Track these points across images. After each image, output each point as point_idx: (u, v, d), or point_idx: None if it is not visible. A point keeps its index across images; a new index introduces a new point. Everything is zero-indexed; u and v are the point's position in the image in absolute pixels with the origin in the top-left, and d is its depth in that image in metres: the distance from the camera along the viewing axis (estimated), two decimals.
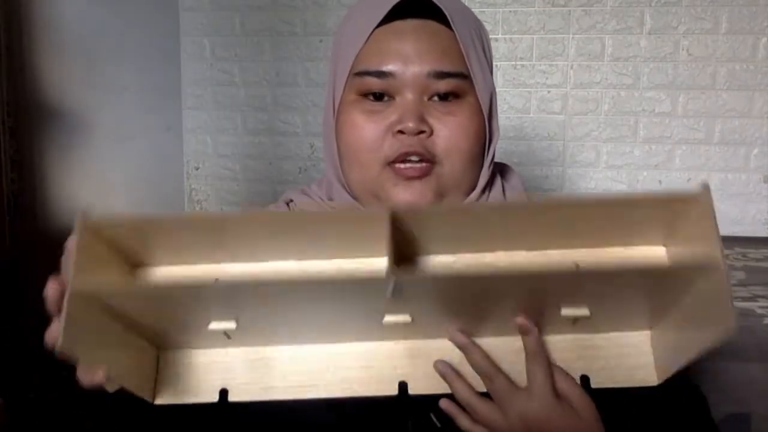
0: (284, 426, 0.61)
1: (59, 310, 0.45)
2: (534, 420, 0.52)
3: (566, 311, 0.50)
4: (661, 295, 0.50)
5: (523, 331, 0.52)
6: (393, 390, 0.51)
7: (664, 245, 0.53)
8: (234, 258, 0.52)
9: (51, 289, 0.47)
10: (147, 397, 0.54)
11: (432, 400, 0.59)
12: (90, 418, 0.55)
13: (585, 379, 0.54)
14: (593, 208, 0.49)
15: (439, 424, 0.59)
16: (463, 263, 0.53)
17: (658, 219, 0.50)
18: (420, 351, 0.54)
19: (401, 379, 0.54)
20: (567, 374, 0.54)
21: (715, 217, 0.44)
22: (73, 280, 0.45)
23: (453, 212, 0.52)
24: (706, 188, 0.45)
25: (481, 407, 0.54)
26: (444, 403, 0.56)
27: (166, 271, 0.53)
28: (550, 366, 0.53)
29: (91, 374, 0.48)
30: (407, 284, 0.44)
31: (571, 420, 0.53)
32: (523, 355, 0.53)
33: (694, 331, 0.49)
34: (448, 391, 0.54)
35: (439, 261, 0.53)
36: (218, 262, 0.53)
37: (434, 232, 0.51)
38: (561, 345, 0.55)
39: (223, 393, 0.54)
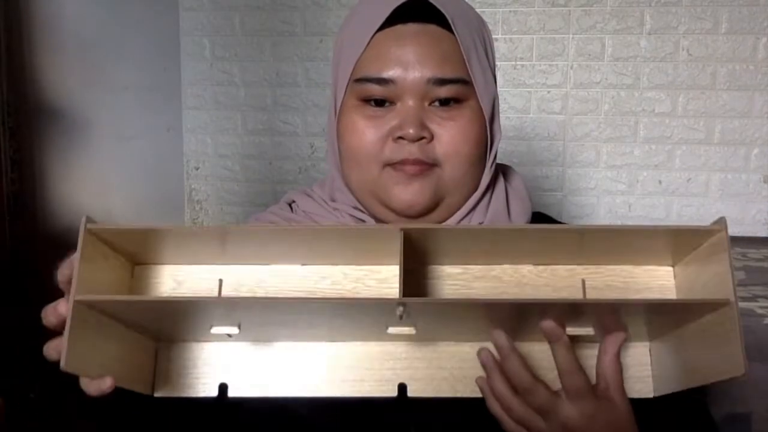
0: (283, 424, 0.61)
1: (59, 324, 0.45)
2: (577, 426, 0.51)
3: (570, 330, 0.50)
4: (665, 320, 0.50)
5: (551, 338, 0.51)
6: (392, 391, 0.51)
7: (672, 265, 0.52)
8: (238, 259, 0.52)
9: (54, 309, 0.47)
10: (145, 391, 0.54)
11: (411, 411, 0.59)
12: (89, 417, 0.55)
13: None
14: (603, 234, 0.49)
15: None
16: (470, 275, 0.53)
17: (668, 243, 0.50)
18: (421, 354, 0.54)
19: (401, 380, 0.54)
20: (602, 371, 0.53)
21: (729, 252, 0.43)
22: (76, 290, 0.45)
23: (462, 233, 0.52)
24: (722, 222, 0.43)
25: (520, 409, 0.52)
26: (489, 405, 0.54)
27: (170, 271, 0.53)
28: (583, 369, 0.52)
29: (97, 384, 0.48)
30: (416, 309, 0.45)
31: (612, 417, 0.52)
32: (543, 358, 0.52)
33: (699, 359, 0.48)
34: (446, 394, 0.54)
35: (447, 272, 0.53)
36: (222, 262, 0.53)
37: (443, 246, 0.51)
38: None
39: (223, 388, 0.54)
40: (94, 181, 1.62)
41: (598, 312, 0.47)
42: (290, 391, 0.54)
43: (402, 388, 0.54)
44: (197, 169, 2.03)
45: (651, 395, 0.54)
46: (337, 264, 0.52)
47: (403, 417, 0.60)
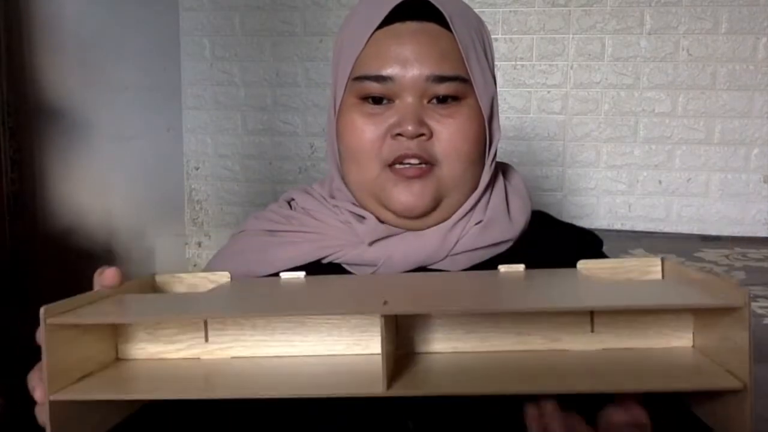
0: (273, 416, 0.61)
1: (42, 402, 0.45)
2: None
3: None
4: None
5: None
6: (377, 391, 0.50)
7: (693, 333, 0.49)
8: (216, 332, 0.51)
9: (35, 385, 0.46)
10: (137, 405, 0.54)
11: (408, 404, 0.59)
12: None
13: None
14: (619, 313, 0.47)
15: (412, 425, 0.59)
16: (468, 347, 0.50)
17: (688, 316, 0.48)
18: (405, 359, 0.53)
19: (416, 394, 0.52)
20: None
21: (750, 332, 0.40)
22: (50, 388, 0.44)
23: (452, 314, 0.49)
24: (745, 296, 0.40)
25: None
26: None
27: (146, 343, 0.52)
28: None
29: None
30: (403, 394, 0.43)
31: None
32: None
33: (716, 413, 0.45)
34: (429, 393, 0.52)
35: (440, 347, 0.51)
36: (199, 337, 0.52)
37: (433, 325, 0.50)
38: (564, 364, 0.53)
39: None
40: (94, 181, 1.62)
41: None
42: (276, 392, 0.53)
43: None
44: (197, 169, 2.03)
45: None
46: (324, 351, 0.51)
47: (403, 415, 0.60)
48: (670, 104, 1.77)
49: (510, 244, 0.66)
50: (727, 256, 1.58)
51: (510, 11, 1.81)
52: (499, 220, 0.67)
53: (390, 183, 0.64)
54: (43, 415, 0.45)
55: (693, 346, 0.48)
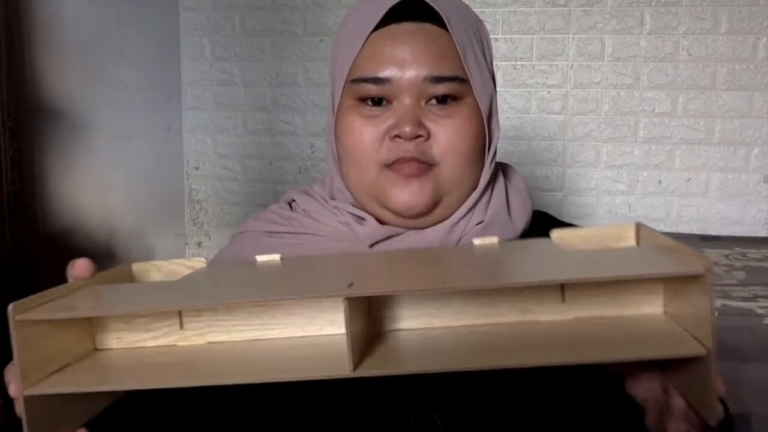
0: (280, 419, 0.61)
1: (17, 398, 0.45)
2: None
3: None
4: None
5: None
6: (344, 372, 0.50)
7: (663, 300, 0.50)
8: (191, 319, 0.52)
9: (10, 379, 0.46)
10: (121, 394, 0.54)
11: (433, 397, 0.59)
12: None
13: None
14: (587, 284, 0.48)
15: (440, 424, 0.59)
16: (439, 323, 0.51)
17: (658, 283, 0.49)
18: (377, 338, 0.53)
19: (383, 373, 0.53)
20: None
21: (712, 300, 0.41)
22: (24, 383, 0.44)
23: (417, 292, 0.49)
24: (707, 263, 0.41)
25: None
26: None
27: (123, 332, 0.52)
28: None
29: None
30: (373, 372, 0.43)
31: None
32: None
33: (679, 384, 0.46)
34: (400, 371, 0.52)
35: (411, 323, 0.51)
36: (174, 324, 0.52)
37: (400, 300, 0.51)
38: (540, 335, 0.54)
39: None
40: (94, 181, 1.62)
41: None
42: (253, 377, 0.53)
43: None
44: (197, 169, 2.03)
45: None
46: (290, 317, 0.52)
47: (405, 413, 0.60)
48: (670, 104, 1.77)
49: None
50: (727, 256, 1.58)
51: (510, 11, 1.81)
52: (500, 221, 0.67)
53: (389, 183, 0.64)
54: (19, 409, 0.45)
55: (664, 313, 0.49)
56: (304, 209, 0.72)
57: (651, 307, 0.49)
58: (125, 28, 1.72)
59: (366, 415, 0.60)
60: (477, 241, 0.57)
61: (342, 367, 0.43)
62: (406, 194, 0.63)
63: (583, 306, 0.50)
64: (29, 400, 0.44)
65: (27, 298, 0.45)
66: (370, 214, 0.67)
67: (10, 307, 0.43)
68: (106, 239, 1.68)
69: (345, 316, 0.42)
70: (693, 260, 0.42)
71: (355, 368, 0.43)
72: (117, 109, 1.70)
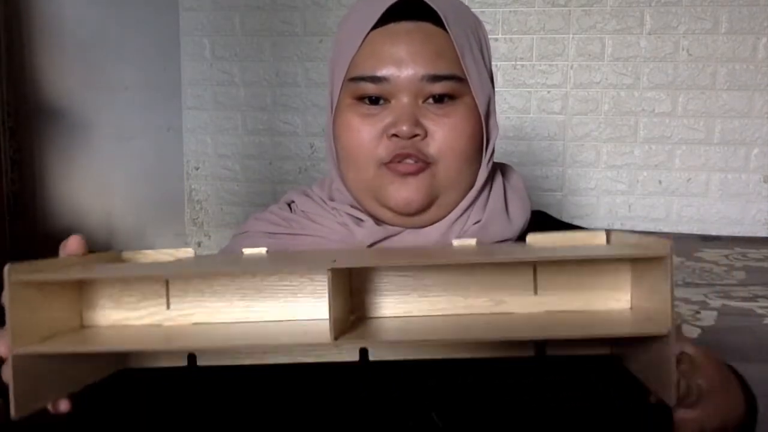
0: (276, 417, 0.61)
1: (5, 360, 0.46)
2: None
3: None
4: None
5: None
6: (354, 356, 0.52)
7: (630, 294, 0.53)
8: (177, 299, 0.53)
9: (2, 349, 0.47)
10: (115, 369, 0.55)
11: (433, 398, 0.59)
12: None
13: (541, 346, 0.55)
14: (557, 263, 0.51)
15: (441, 424, 0.59)
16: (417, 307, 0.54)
17: (626, 266, 0.51)
18: (358, 321, 0.54)
19: (361, 345, 0.54)
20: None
21: (671, 280, 0.43)
22: (14, 343, 0.45)
23: (398, 263, 0.52)
24: (667, 246, 0.43)
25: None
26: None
27: (109, 310, 0.54)
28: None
29: (55, 408, 0.49)
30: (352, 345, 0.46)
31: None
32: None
33: (643, 368, 0.49)
34: (407, 357, 0.54)
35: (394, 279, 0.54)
36: (161, 304, 0.53)
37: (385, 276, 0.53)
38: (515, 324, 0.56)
39: (191, 357, 0.55)
40: (94, 181, 1.62)
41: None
42: (256, 359, 0.55)
43: (363, 352, 0.55)
44: (197, 169, 2.03)
45: (608, 353, 0.56)
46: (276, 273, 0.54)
47: (404, 414, 0.60)
48: (670, 104, 1.77)
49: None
50: (727, 256, 1.58)
51: (510, 11, 1.81)
52: (498, 220, 0.67)
53: (386, 180, 0.64)
54: (7, 372, 0.46)
55: (630, 309, 0.52)
56: (302, 210, 0.72)
57: (618, 302, 0.53)
58: (125, 28, 1.72)
59: (365, 416, 0.60)
60: (456, 242, 0.60)
61: (324, 337, 0.45)
62: (403, 191, 0.63)
63: (555, 299, 0.53)
64: (18, 361, 0.45)
65: (22, 263, 0.46)
66: (369, 212, 0.67)
67: (7, 267, 0.45)
68: (106, 239, 1.69)
69: (328, 286, 0.44)
70: (656, 245, 0.45)
71: (336, 338, 0.45)
72: (117, 109, 1.70)
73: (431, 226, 0.66)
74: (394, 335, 0.49)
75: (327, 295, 0.44)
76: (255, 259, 0.55)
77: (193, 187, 2.04)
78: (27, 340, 0.46)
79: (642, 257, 0.46)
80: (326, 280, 0.44)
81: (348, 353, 0.53)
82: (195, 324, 0.53)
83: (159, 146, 1.92)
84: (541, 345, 0.54)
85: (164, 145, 1.95)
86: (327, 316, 0.44)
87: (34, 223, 1.43)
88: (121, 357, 0.56)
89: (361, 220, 0.67)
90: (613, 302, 0.52)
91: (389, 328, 0.51)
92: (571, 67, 1.80)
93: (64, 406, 0.49)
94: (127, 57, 1.73)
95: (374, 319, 0.53)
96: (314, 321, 0.52)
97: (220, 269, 0.49)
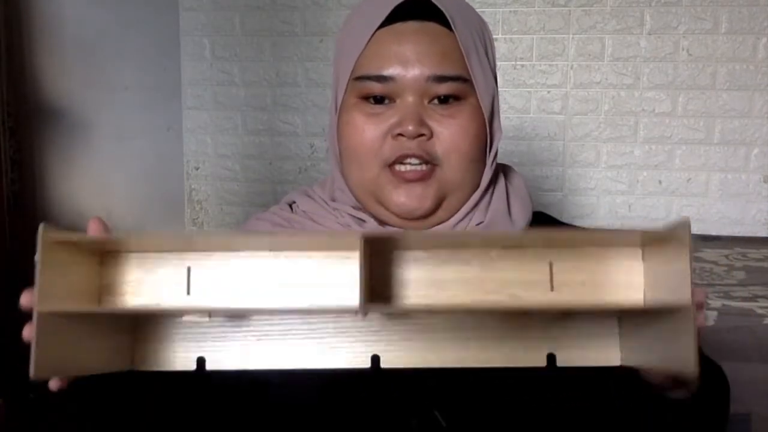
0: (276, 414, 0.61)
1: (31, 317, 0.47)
2: None
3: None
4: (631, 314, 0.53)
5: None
6: (366, 363, 0.52)
7: (642, 258, 0.53)
8: (206, 247, 0.53)
9: (25, 301, 0.49)
10: (125, 368, 0.55)
11: (436, 397, 0.59)
12: (69, 399, 0.55)
13: (551, 357, 0.54)
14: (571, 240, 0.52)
15: (444, 423, 0.59)
16: (438, 259, 0.54)
17: (637, 243, 0.52)
18: (393, 326, 0.54)
19: (374, 352, 0.54)
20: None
21: (690, 257, 0.43)
22: (40, 302, 0.46)
23: (426, 237, 0.53)
24: (685, 224, 0.43)
25: None
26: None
27: (137, 259, 0.53)
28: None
29: (53, 383, 0.50)
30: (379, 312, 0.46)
31: None
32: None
33: (660, 349, 0.49)
34: (420, 365, 0.54)
35: (414, 256, 0.54)
36: (190, 250, 0.54)
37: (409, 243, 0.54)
38: (529, 322, 0.56)
39: (200, 362, 0.55)
40: (94, 181, 1.62)
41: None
42: (267, 363, 0.55)
43: (375, 359, 0.54)
44: (197, 169, 2.03)
45: (618, 363, 0.56)
46: (305, 250, 0.53)
47: (407, 413, 0.60)
48: (670, 104, 1.77)
49: None
50: (727, 256, 1.58)
51: (510, 11, 1.81)
52: (500, 222, 0.67)
53: (390, 184, 0.64)
54: (29, 331, 0.46)
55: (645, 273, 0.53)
56: (304, 210, 0.72)
57: (634, 292, 0.53)
58: (125, 28, 1.72)
59: (369, 415, 0.60)
60: None
61: (352, 300, 0.46)
62: (407, 198, 0.63)
63: (571, 295, 0.54)
64: (42, 320, 0.46)
65: (53, 228, 0.48)
66: (371, 213, 0.67)
67: (41, 226, 0.47)
68: None
69: (360, 253, 0.46)
70: (671, 225, 0.46)
71: (365, 303, 0.46)
72: (117, 109, 1.70)
73: (435, 228, 0.66)
74: (420, 301, 0.50)
75: (358, 264, 0.45)
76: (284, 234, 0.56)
77: (193, 187, 2.04)
78: (53, 302, 0.47)
79: (659, 236, 0.47)
80: (357, 254, 0.46)
81: (370, 325, 0.54)
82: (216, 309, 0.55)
83: (159, 146, 1.92)
84: (551, 355, 0.54)
85: (164, 145, 1.95)
86: (356, 292, 0.45)
87: (34, 223, 1.43)
88: (132, 352, 0.56)
89: (363, 221, 0.67)
90: (628, 293, 0.53)
91: (413, 299, 0.52)
92: (571, 67, 1.80)
93: (57, 384, 0.49)
94: (127, 57, 1.73)
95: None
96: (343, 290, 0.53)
97: (247, 240, 0.50)
